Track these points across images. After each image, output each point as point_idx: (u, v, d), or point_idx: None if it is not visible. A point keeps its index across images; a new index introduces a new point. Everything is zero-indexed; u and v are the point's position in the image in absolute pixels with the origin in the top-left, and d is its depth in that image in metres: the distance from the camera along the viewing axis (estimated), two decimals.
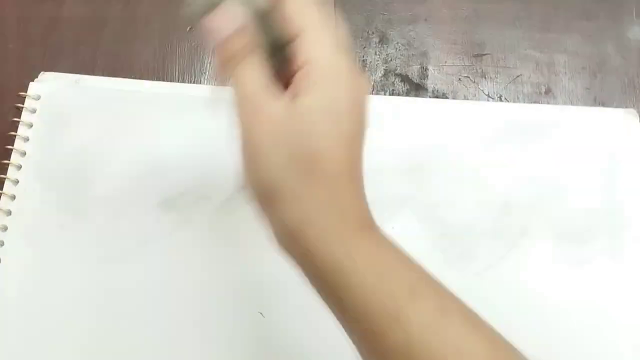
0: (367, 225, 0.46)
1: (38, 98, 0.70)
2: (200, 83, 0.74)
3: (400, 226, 0.65)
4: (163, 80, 0.74)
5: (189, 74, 0.74)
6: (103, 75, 0.74)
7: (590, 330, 0.61)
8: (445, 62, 0.75)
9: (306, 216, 0.44)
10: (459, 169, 0.66)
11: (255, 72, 0.45)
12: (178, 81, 0.74)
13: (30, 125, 0.69)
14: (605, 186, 0.66)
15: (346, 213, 0.44)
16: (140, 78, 0.74)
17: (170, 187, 0.66)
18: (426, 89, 0.74)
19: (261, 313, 0.62)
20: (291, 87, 0.45)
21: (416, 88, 0.74)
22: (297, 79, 0.45)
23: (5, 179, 0.67)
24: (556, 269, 0.63)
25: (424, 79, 0.74)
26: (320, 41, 0.45)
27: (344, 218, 0.44)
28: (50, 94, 0.70)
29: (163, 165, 0.67)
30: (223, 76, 0.46)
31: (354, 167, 0.46)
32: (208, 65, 0.75)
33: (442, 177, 0.66)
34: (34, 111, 0.69)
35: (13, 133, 0.69)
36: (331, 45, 0.45)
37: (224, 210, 0.65)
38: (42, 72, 0.72)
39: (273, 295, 0.63)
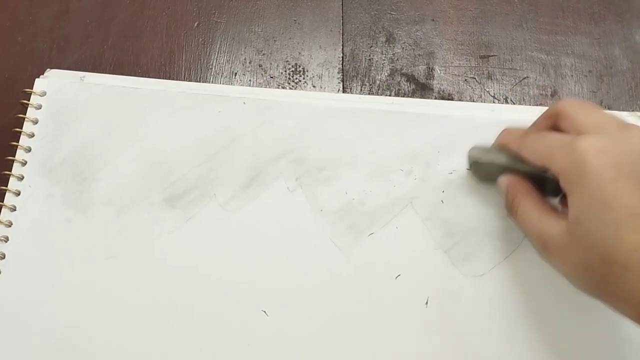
0: None
1: (43, 94, 0.70)
2: (206, 79, 0.74)
3: (403, 226, 0.65)
4: (169, 75, 0.74)
5: (195, 70, 0.74)
6: (110, 68, 0.74)
7: (597, 330, 0.61)
8: (452, 62, 0.75)
9: None
10: (461, 170, 0.66)
11: (532, 208, 0.55)
12: (184, 76, 0.74)
13: (36, 122, 0.69)
14: None
15: None
16: (146, 72, 0.74)
17: (175, 184, 0.66)
18: (432, 89, 0.73)
19: (265, 311, 0.62)
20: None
21: (422, 88, 0.73)
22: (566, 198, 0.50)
23: (10, 175, 0.67)
24: None
25: (430, 79, 0.74)
26: (558, 158, 0.51)
27: None
28: (56, 90, 0.70)
29: (168, 162, 0.67)
30: (510, 216, 0.60)
31: None
32: (214, 61, 0.75)
33: (446, 177, 0.66)
34: (39, 107, 0.69)
35: (18, 129, 0.68)
36: (569, 152, 0.49)
37: (228, 208, 0.65)
38: (47, 69, 0.72)
39: (277, 293, 0.63)
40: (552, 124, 0.56)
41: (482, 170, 0.64)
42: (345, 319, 0.62)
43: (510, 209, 0.58)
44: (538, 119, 0.58)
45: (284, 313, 0.62)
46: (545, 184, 0.57)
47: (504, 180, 0.60)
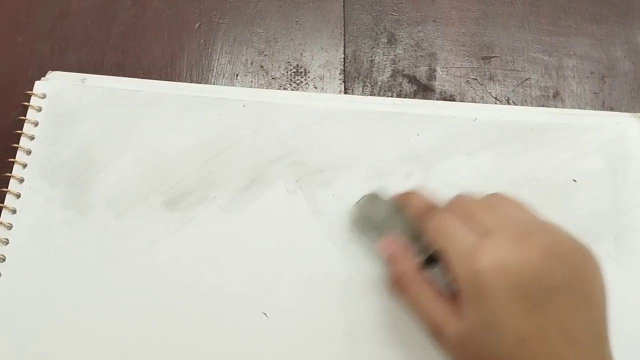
0: None
1: (44, 97, 0.69)
2: (207, 80, 0.73)
3: None
4: (170, 77, 0.73)
5: (196, 71, 0.74)
6: (111, 70, 0.73)
7: None
8: (454, 63, 0.74)
9: None
10: (462, 171, 0.66)
11: (426, 295, 0.53)
12: (185, 77, 0.73)
13: (36, 124, 0.68)
14: (611, 189, 0.66)
15: None
16: (148, 73, 0.73)
17: (174, 186, 0.66)
18: (434, 91, 0.73)
19: (265, 313, 0.62)
20: (458, 300, 0.50)
21: (424, 89, 0.73)
22: (458, 294, 0.50)
23: (10, 177, 0.66)
24: None
25: (432, 81, 0.73)
26: (457, 262, 0.49)
27: None
28: (56, 92, 0.70)
29: (167, 165, 0.67)
30: (394, 291, 0.56)
31: None
32: (216, 62, 0.74)
33: (445, 179, 0.66)
34: (39, 109, 0.69)
35: (19, 131, 0.68)
36: (469, 263, 0.48)
37: (228, 210, 0.65)
38: (49, 71, 0.71)
39: (277, 295, 0.62)
40: None
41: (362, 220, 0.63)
42: (345, 320, 0.61)
43: (397, 284, 0.56)
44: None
45: (284, 315, 0.62)
46: (419, 241, 0.57)
47: (386, 246, 0.58)
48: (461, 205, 0.54)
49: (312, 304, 0.62)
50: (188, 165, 0.67)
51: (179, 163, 0.67)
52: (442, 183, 0.65)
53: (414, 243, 0.57)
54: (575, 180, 0.65)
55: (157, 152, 0.67)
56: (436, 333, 0.51)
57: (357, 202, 0.63)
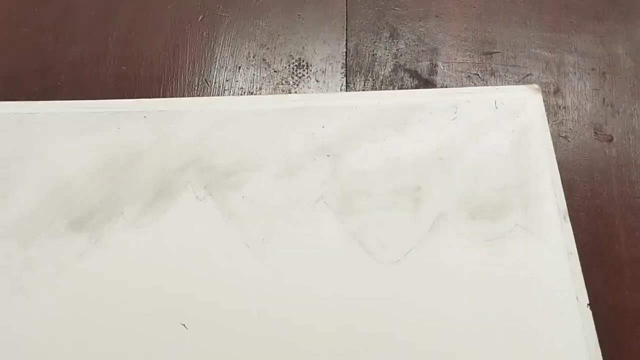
0: None
1: None
2: (210, 72, 0.69)
3: (317, 221, 0.60)
4: (173, 69, 0.69)
5: (199, 63, 0.69)
6: (114, 62, 0.69)
7: (509, 303, 0.56)
8: (455, 59, 0.69)
9: None
10: (371, 159, 0.62)
11: None
12: (188, 70, 0.69)
13: None
14: (515, 161, 0.62)
15: None
16: (150, 66, 0.69)
17: (79, 207, 0.61)
18: (435, 85, 0.68)
19: (184, 324, 0.56)
20: None
21: (425, 84, 0.68)
22: None
23: None
24: (474, 247, 0.58)
25: (433, 75, 0.68)
26: None
27: None
28: None
29: (70, 187, 0.62)
30: None
31: None
32: (218, 54, 0.70)
33: (356, 168, 0.62)
34: None
35: None
36: None
37: (137, 225, 0.60)
38: None
39: (196, 305, 0.57)
40: None
41: None
42: (266, 325, 0.57)
43: None
44: None
45: (203, 324, 0.57)
46: None
47: None
48: None
49: (231, 310, 0.57)
50: (91, 184, 0.62)
51: (81, 183, 0.62)
52: (353, 173, 0.62)
53: None
54: (480, 156, 0.62)
55: (58, 175, 0.63)
56: None
57: None
